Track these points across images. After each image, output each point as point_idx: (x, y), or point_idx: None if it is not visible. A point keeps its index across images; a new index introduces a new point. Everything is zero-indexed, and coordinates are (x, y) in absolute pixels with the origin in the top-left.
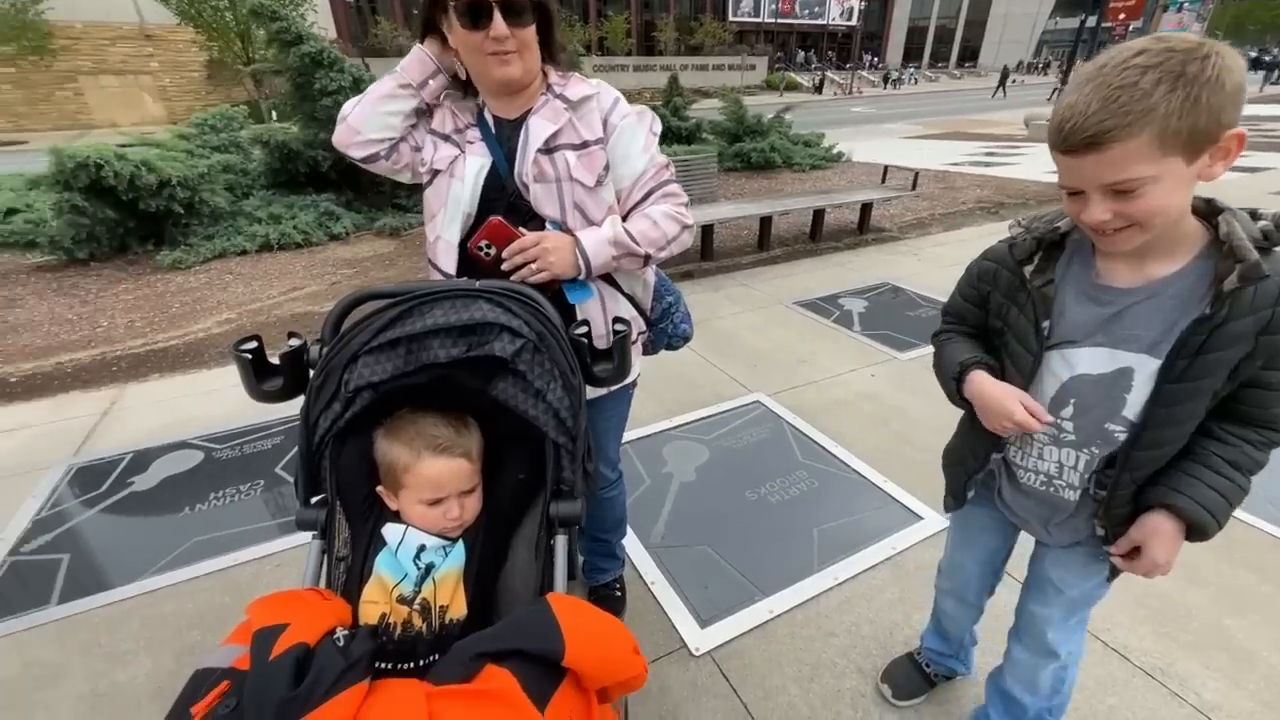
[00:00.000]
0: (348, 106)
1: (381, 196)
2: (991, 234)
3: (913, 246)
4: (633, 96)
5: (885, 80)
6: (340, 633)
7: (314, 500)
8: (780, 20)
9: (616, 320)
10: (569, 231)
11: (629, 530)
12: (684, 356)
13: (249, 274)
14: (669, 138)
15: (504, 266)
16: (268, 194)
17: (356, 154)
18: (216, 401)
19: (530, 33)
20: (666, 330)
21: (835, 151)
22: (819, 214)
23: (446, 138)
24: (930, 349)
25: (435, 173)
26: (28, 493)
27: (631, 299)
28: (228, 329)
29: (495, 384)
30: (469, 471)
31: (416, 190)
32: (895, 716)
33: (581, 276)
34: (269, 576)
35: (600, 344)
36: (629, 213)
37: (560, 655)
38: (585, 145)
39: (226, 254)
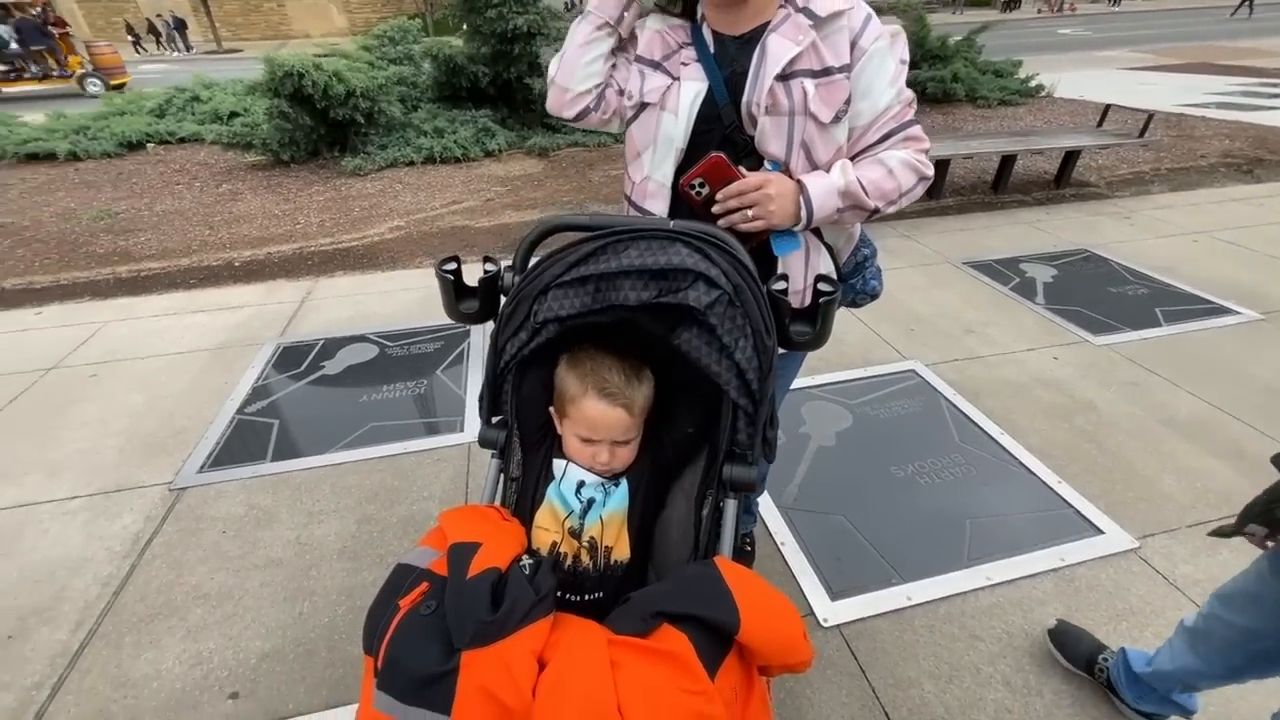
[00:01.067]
0: (552, 67)
1: (533, 115)
2: (1239, 199)
3: (1125, 208)
4: None
5: None
6: (526, 561)
7: (494, 420)
8: None
9: (820, 279)
10: (789, 174)
11: None
12: None
13: (415, 184)
14: None
15: (716, 209)
16: (434, 107)
17: (569, 113)
18: (389, 301)
19: None
20: (855, 286)
21: (1033, 84)
22: (1007, 160)
23: (656, 65)
24: (1137, 335)
25: (643, 106)
26: (249, 363)
27: (831, 250)
28: (398, 235)
29: (680, 332)
30: (627, 424)
31: None
32: None
33: (799, 228)
34: (430, 469)
35: (796, 301)
36: (859, 155)
37: (735, 628)
38: (828, 72)
39: (397, 164)
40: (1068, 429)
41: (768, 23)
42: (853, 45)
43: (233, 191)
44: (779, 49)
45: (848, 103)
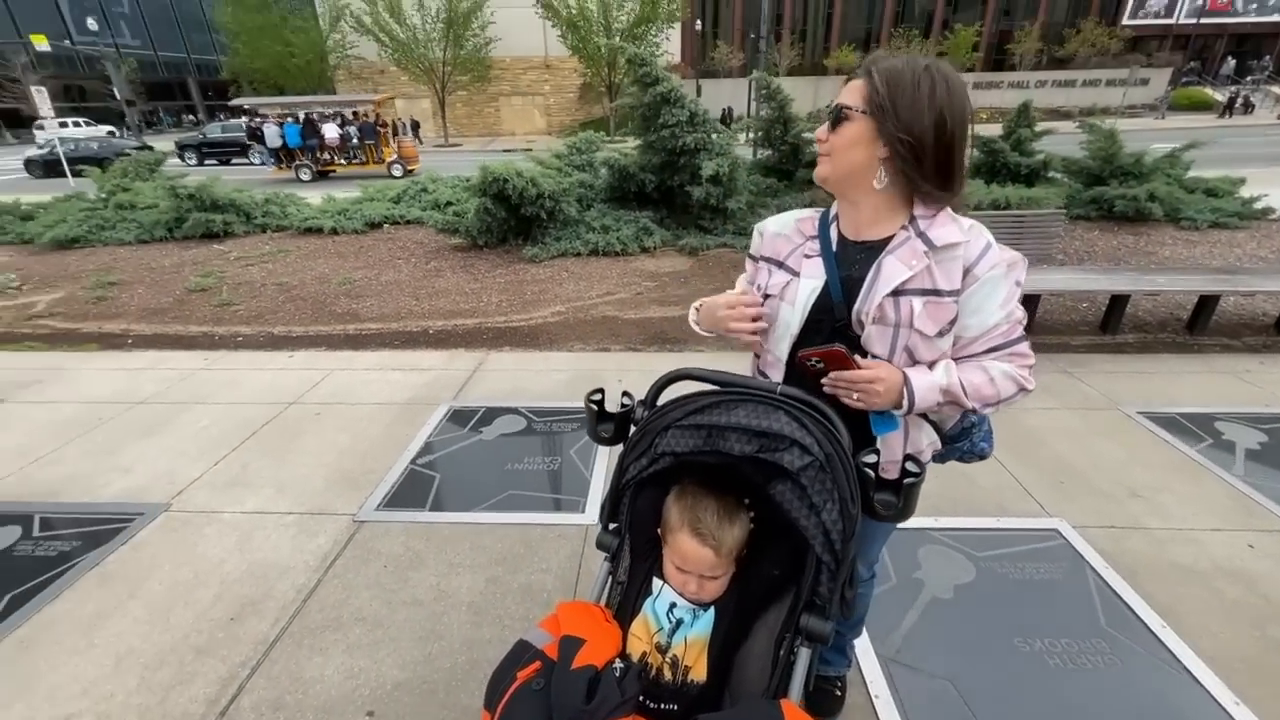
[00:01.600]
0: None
1: (688, 217)
2: None
3: None
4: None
5: None
6: (618, 664)
7: (611, 527)
8: (1204, 20)
9: (909, 459)
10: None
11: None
12: None
13: (578, 273)
14: (1003, 175)
15: (825, 387)
16: (604, 206)
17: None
18: (542, 380)
19: (843, 139)
20: (962, 448)
21: (1259, 205)
22: (1208, 299)
23: (780, 264)
24: None
25: (767, 296)
26: (426, 420)
27: (936, 423)
28: (558, 319)
29: (776, 484)
30: (714, 562)
31: (719, 214)
32: None
33: (900, 414)
34: (552, 544)
35: (888, 473)
36: (965, 358)
37: None
38: (937, 294)
39: (566, 254)
40: (1257, 638)
41: (890, 237)
42: (966, 271)
43: (437, 269)
44: (893, 271)
45: (953, 322)
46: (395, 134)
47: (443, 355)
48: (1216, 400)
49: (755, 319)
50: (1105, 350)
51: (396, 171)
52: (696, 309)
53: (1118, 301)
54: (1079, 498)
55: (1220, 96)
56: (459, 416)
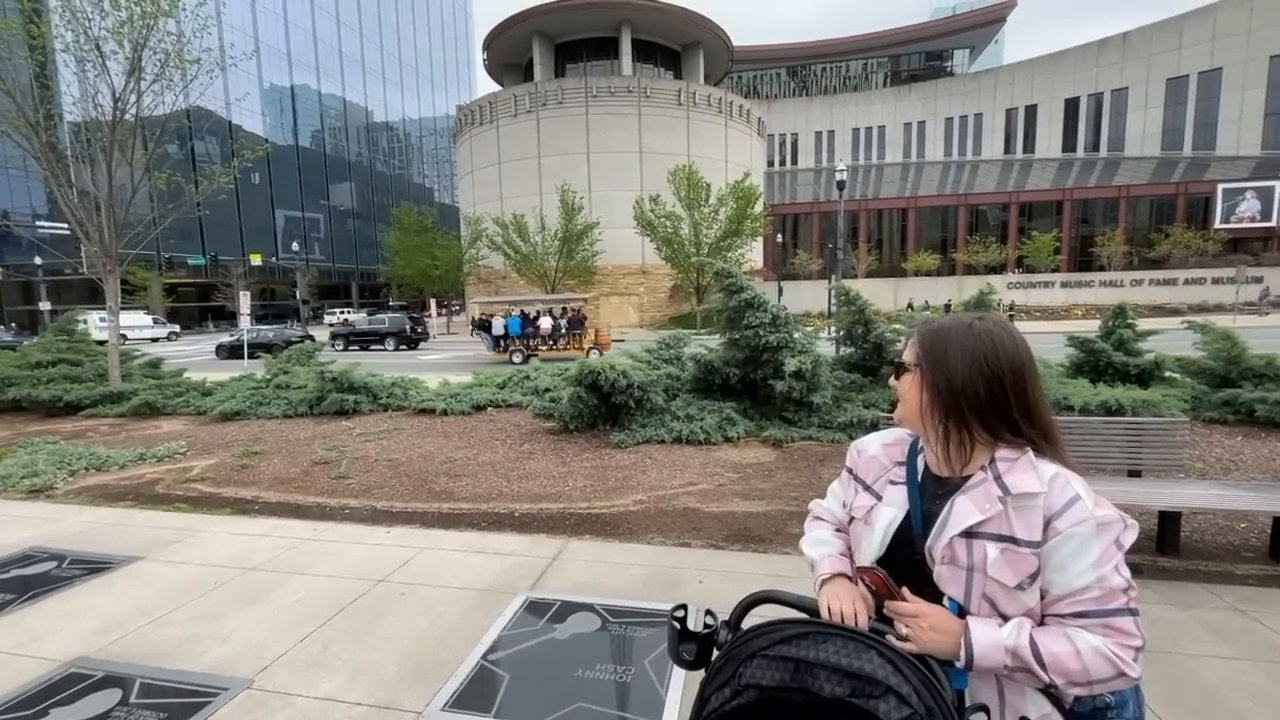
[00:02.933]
0: (805, 533)
1: (772, 408)
2: None
3: None
4: (1059, 313)
5: None
6: None
7: None
8: None
9: None
10: (965, 613)
11: None
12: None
13: (662, 461)
14: (1109, 375)
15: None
16: (689, 396)
17: None
18: (619, 575)
19: (903, 385)
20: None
21: None
22: None
23: (867, 487)
24: None
25: (852, 518)
26: (501, 610)
27: (1052, 692)
28: (639, 508)
29: None
30: None
31: (803, 407)
32: None
33: (959, 666)
34: None
35: None
36: (1050, 617)
37: None
38: (1014, 542)
39: (651, 441)
40: None
41: (968, 477)
42: (1047, 523)
43: (529, 451)
44: (963, 511)
45: (1034, 576)
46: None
47: (525, 540)
48: None
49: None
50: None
51: (594, 355)
52: (816, 553)
53: (1278, 526)
54: None
55: None
56: (535, 608)
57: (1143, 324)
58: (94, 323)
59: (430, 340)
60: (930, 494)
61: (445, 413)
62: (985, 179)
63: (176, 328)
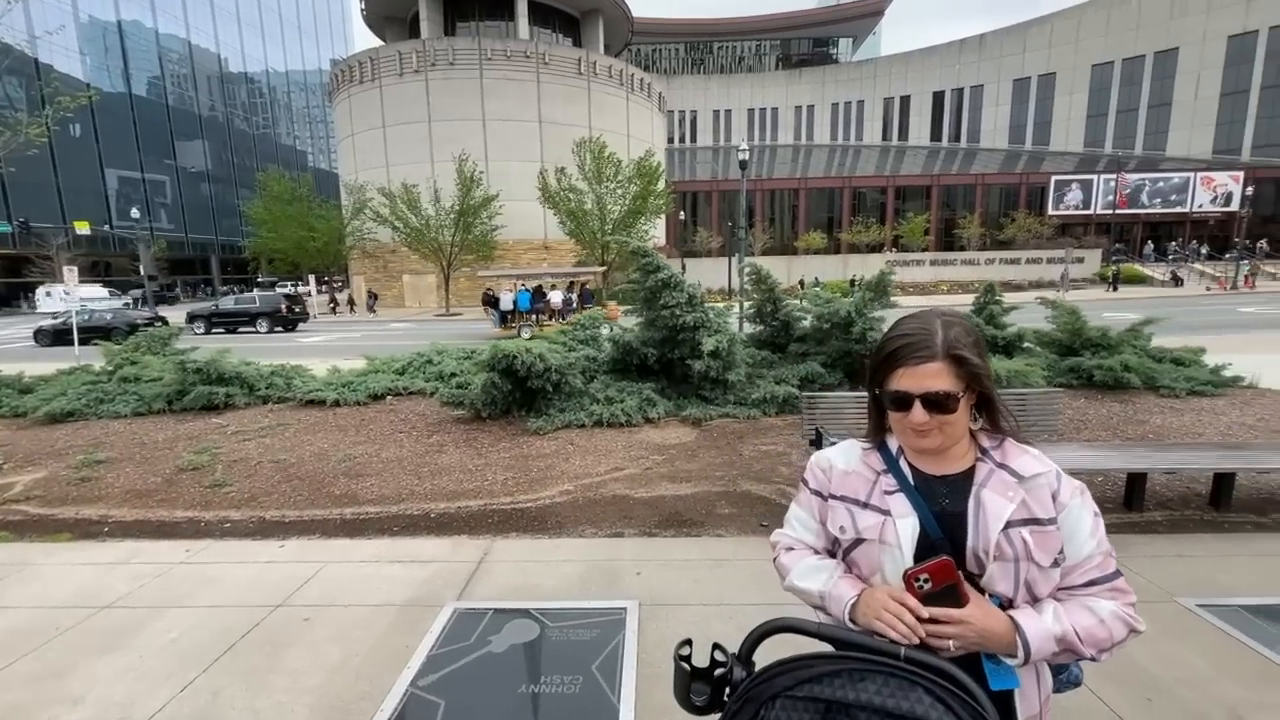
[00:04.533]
0: (785, 568)
1: (689, 387)
2: None
3: None
4: (929, 289)
5: None
6: None
7: None
8: (1119, 212)
9: None
10: (1010, 607)
11: None
12: None
13: (584, 446)
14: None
15: (923, 631)
16: (607, 378)
17: None
18: (553, 573)
19: (955, 416)
20: (1062, 679)
21: (1227, 374)
22: (1224, 477)
23: (865, 504)
24: None
25: (859, 541)
26: (428, 627)
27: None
28: (566, 499)
29: None
30: None
31: (719, 385)
32: None
33: (1017, 664)
34: None
35: None
36: (1064, 591)
37: None
38: (1039, 523)
39: (571, 425)
40: None
41: (970, 470)
42: (1053, 497)
43: (439, 444)
44: (997, 506)
45: (1062, 550)
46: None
47: (446, 544)
48: (1275, 588)
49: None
50: (1137, 530)
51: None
52: (786, 551)
53: (1136, 479)
54: (1174, 719)
55: (1151, 272)
56: (465, 621)
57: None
58: None
59: (311, 320)
60: (934, 496)
61: (338, 404)
62: (866, 163)
63: None
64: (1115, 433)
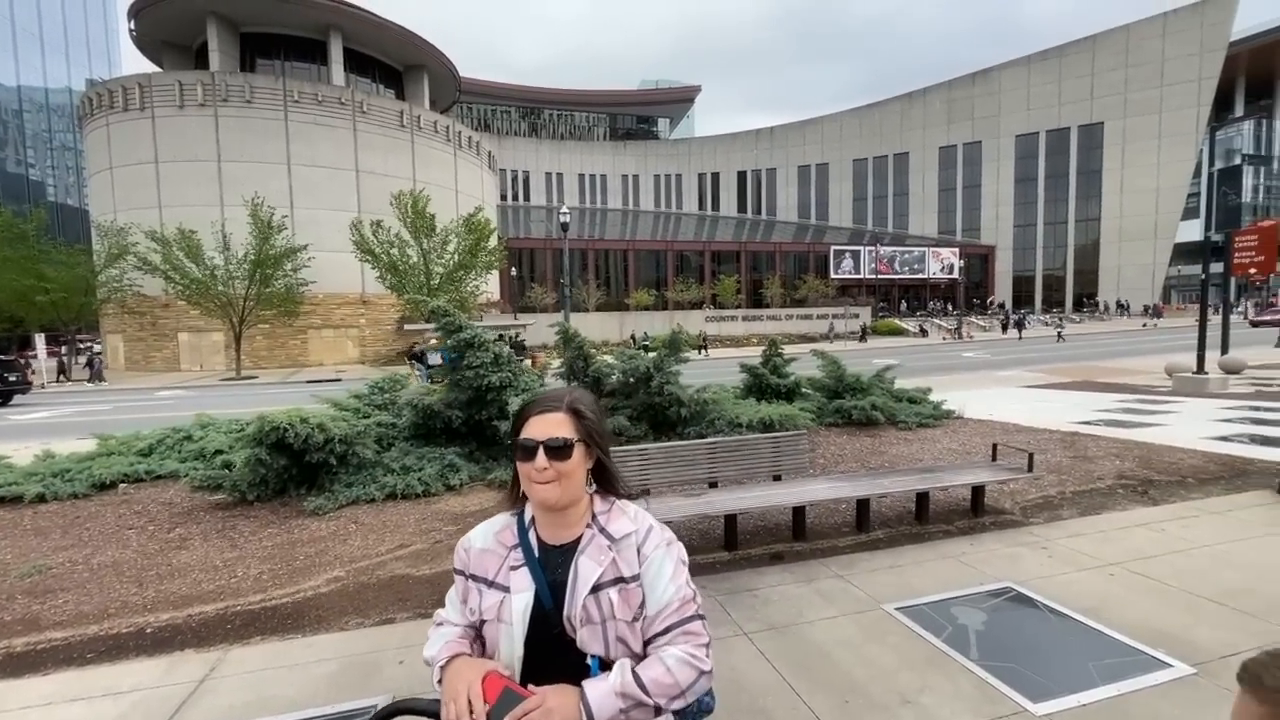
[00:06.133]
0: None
1: (499, 449)
2: (1141, 523)
3: (1040, 536)
4: (742, 342)
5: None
6: None
7: None
8: (881, 277)
9: None
10: (610, 665)
11: None
12: (759, 673)
13: (370, 524)
14: (769, 394)
15: None
16: (407, 445)
17: None
18: (299, 678)
19: (573, 463)
20: (690, 712)
21: (944, 409)
22: (923, 495)
23: (490, 583)
24: (1075, 700)
25: (483, 621)
26: None
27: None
28: (333, 588)
29: None
30: None
31: None
32: None
33: None
34: None
35: None
36: (649, 642)
37: None
38: (624, 581)
39: (359, 501)
40: None
41: (579, 538)
42: (639, 552)
43: (183, 537)
44: (587, 570)
45: (642, 604)
46: None
47: (158, 665)
48: (947, 585)
49: None
50: (864, 548)
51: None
52: (439, 661)
53: (863, 504)
54: (863, 714)
55: (906, 325)
56: None
57: (789, 350)
58: None
59: (37, 390)
60: (552, 566)
61: (42, 499)
62: (686, 229)
63: None
64: (863, 463)
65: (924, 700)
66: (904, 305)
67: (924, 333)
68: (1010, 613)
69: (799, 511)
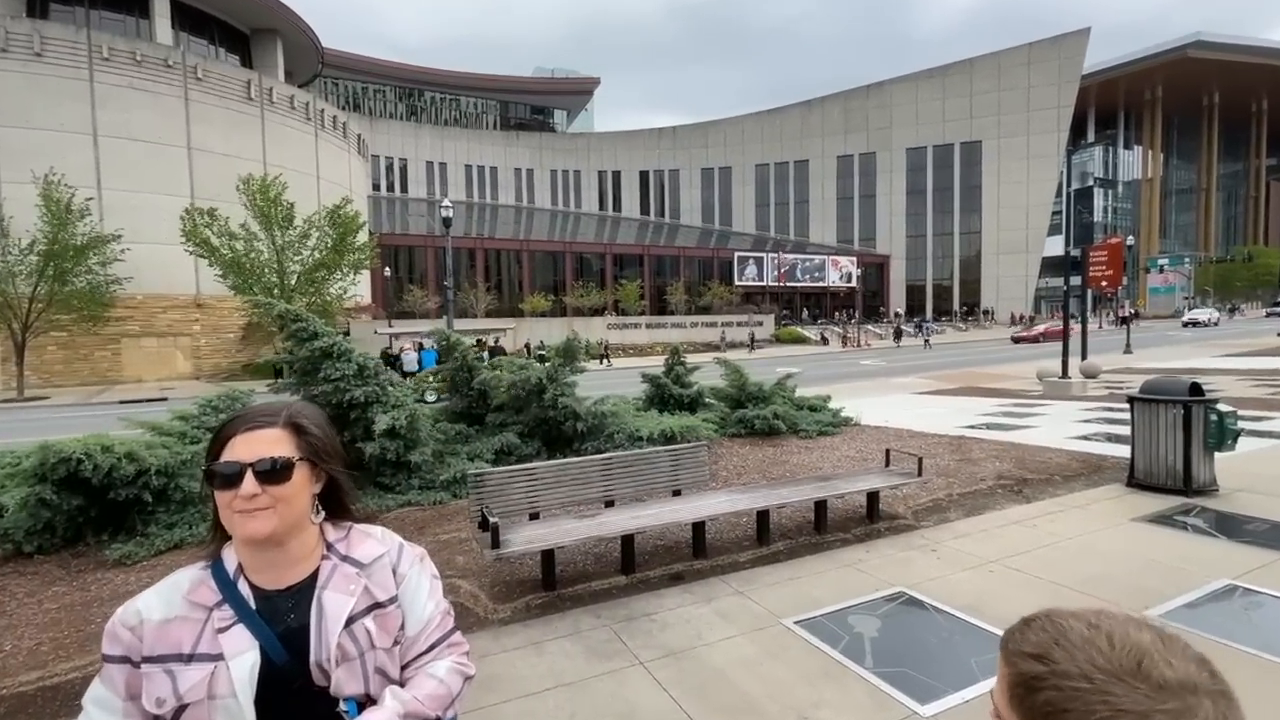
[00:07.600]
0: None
1: (365, 474)
2: (1016, 521)
3: (930, 538)
4: (645, 350)
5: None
6: None
7: None
8: (784, 285)
9: None
10: (370, 703)
11: None
12: (654, 703)
13: None
14: (671, 406)
15: None
16: None
17: None
18: None
19: (293, 488)
20: None
21: (843, 416)
22: (820, 504)
23: (191, 657)
24: (959, 697)
25: (183, 708)
26: None
27: None
28: None
29: None
30: None
31: (401, 468)
32: None
33: None
34: None
35: None
36: (411, 663)
37: None
38: (381, 606)
39: (183, 544)
40: None
41: (314, 573)
42: (393, 571)
43: None
44: (336, 606)
45: (403, 627)
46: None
47: None
48: (844, 594)
49: None
50: (765, 562)
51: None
52: None
53: (763, 516)
54: None
55: (808, 333)
56: None
57: (693, 359)
58: None
59: None
60: (279, 613)
61: None
62: (586, 230)
63: None
64: (765, 474)
65: (820, 715)
66: (805, 313)
67: (825, 340)
68: (902, 617)
69: (699, 528)
